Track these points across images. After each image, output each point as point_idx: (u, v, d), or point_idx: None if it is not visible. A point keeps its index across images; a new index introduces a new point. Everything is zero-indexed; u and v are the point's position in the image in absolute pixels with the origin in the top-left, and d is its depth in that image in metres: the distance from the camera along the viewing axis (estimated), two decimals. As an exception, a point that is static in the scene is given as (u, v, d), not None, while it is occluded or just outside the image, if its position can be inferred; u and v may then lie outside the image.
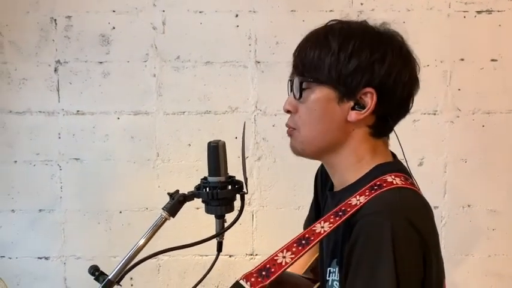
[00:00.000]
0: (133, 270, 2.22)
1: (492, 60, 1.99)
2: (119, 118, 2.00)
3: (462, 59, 1.99)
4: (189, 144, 2.00)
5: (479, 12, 1.97)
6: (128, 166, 2.01)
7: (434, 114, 2.01)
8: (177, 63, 1.98)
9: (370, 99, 0.88)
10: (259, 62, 1.98)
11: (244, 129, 1.01)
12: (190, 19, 1.97)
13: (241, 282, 0.81)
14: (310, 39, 0.92)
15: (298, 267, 1.16)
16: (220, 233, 0.98)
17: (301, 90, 0.91)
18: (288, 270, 1.16)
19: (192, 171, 1.99)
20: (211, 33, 1.97)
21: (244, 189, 0.98)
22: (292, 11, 1.97)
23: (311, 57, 0.90)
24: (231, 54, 1.98)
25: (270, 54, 1.98)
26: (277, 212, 2.03)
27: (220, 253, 1.01)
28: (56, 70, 1.98)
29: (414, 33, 1.95)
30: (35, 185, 2.01)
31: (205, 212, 0.99)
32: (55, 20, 1.96)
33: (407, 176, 0.92)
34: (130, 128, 2.00)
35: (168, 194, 0.96)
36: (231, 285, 0.82)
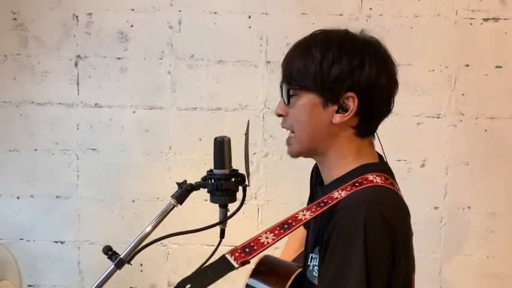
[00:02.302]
0: (143, 257, 2.33)
1: (497, 66, 2.04)
2: (134, 112, 2.10)
3: (467, 65, 2.04)
4: (200, 139, 2.10)
5: (485, 19, 2.02)
6: (141, 158, 2.11)
7: (438, 117, 2.07)
8: (191, 61, 2.07)
9: (352, 102, 0.96)
10: (269, 62, 2.06)
11: (248, 126, 1.10)
12: (205, 19, 2.05)
13: (227, 256, 0.91)
14: (296, 49, 1.01)
15: (293, 253, 1.27)
16: (223, 221, 1.07)
17: (289, 96, 1.00)
18: (281, 257, 1.27)
19: (201, 165, 2.08)
20: (224, 34, 2.06)
21: (246, 182, 1.07)
22: (303, 14, 2.04)
23: (297, 67, 0.99)
24: (243, 54, 2.06)
25: (281, 55, 2.00)
26: (281, 206, 2.11)
27: (224, 241, 1.10)
28: (76, 64, 2.09)
29: (421, 38, 2.05)
30: (53, 172, 2.13)
31: (210, 201, 1.08)
32: (77, 16, 2.07)
33: (388, 176, 1.00)
34: (145, 122, 2.10)
35: (177, 183, 1.06)
36: (218, 258, 0.91)
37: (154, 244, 2.34)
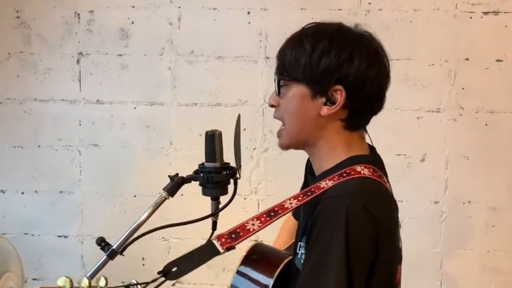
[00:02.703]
0: (144, 251, 2.35)
1: (497, 60, 2.03)
2: (135, 108, 2.12)
3: (467, 59, 2.04)
4: (200, 135, 2.07)
5: (485, 13, 2.01)
6: (142, 153, 2.14)
7: (438, 111, 2.06)
8: (191, 57, 2.09)
9: (339, 95, 0.97)
10: (268, 58, 2.07)
11: (238, 120, 1.11)
12: (205, 15, 2.07)
13: (214, 241, 0.93)
14: (290, 41, 1.02)
15: (282, 245, 1.28)
16: (214, 214, 1.09)
17: (279, 87, 1.02)
18: (274, 245, 1.28)
19: (202, 160, 2.08)
20: (223, 30, 2.07)
21: (238, 175, 1.09)
22: (302, 9, 2.05)
23: (289, 58, 1.00)
24: (242, 49, 2.07)
25: (280, 50, 2.07)
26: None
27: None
28: (78, 61, 2.12)
29: (420, 32, 2.04)
30: (57, 168, 2.16)
31: (202, 194, 1.10)
32: (78, 14, 2.10)
33: (376, 169, 1.00)
34: (146, 118, 2.12)
35: (169, 176, 1.08)
36: (205, 242, 0.93)
37: (155, 238, 2.36)
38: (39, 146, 2.16)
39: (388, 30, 2.04)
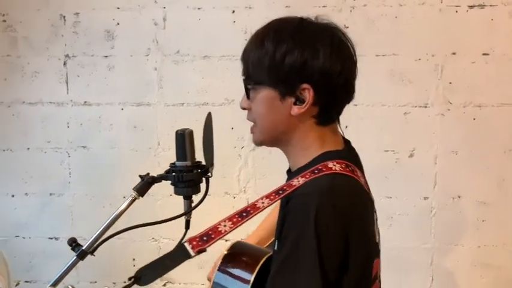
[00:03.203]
0: (135, 251, 2.35)
1: (484, 54, 2.01)
2: (122, 109, 2.13)
3: (454, 53, 2.02)
4: (188, 134, 2.11)
5: (471, 6, 2.00)
6: (131, 154, 2.14)
7: (425, 107, 2.05)
8: (177, 57, 2.09)
9: (307, 94, 0.96)
10: (254, 56, 2.06)
11: (209, 119, 1.11)
12: (190, 15, 2.07)
13: (185, 244, 0.92)
14: (252, 42, 1.01)
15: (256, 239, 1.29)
16: (187, 212, 1.09)
17: (248, 90, 1.01)
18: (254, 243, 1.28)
19: (190, 160, 2.10)
20: (209, 29, 2.07)
21: (209, 174, 1.08)
22: (286, 6, 2.04)
23: (252, 61, 0.99)
24: (228, 48, 2.07)
25: (265, 48, 2.06)
26: (270, 199, 2.12)
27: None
28: (65, 64, 2.12)
29: (406, 27, 2.03)
30: (46, 170, 2.17)
31: (174, 193, 1.09)
32: (64, 16, 2.10)
33: (349, 163, 1.00)
34: (133, 119, 2.13)
35: (140, 176, 1.07)
36: (176, 246, 0.93)
37: (146, 239, 2.36)
38: (28, 148, 2.17)
39: (374, 26, 2.03)
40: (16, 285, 2.24)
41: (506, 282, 2.09)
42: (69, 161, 2.16)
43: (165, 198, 1.98)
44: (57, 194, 2.18)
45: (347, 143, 1.08)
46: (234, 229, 0.95)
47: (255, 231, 1.36)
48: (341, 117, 1.04)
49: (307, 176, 0.95)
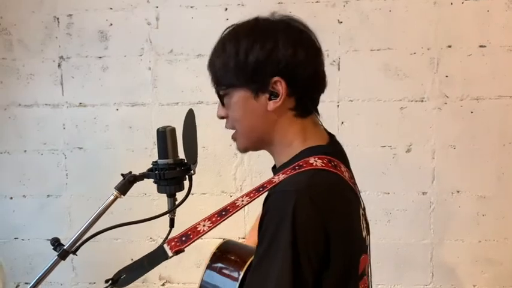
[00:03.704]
0: (133, 251, 2.35)
1: (480, 46, 1.99)
2: (117, 109, 2.13)
3: (449, 46, 2.00)
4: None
5: (466, -2, 1.97)
6: (126, 154, 2.14)
7: (422, 101, 2.03)
8: (171, 56, 2.09)
9: (280, 86, 0.95)
10: (247, 54, 2.05)
11: (191, 115, 1.11)
12: (182, 14, 2.07)
13: (164, 245, 0.92)
14: (214, 50, 1.02)
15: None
16: (171, 210, 1.08)
17: (221, 97, 1.01)
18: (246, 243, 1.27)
19: (185, 159, 2.09)
20: (202, 27, 2.06)
21: (192, 171, 1.07)
22: (279, 3, 2.03)
23: (218, 67, 0.99)
24: (221, 46, 2.06)
25: (259, 45, 2.05)
26: (266, 197, 2.11)
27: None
28: (59, 65, 2.13)
29: (400, 21, 2.01)
30: (43, 172, 2.18)
31: (157, 191, 1.09)
32: (57, 18, 2.11)
33: (332, 159, 0.98)
34: (128, 119, 2.13)
35: (121, 174, 1.07)
36: (157, 247, 0.92)
37: (143, 239, 2.36)
38: (25, 150, 2.18)
39: (368, 20, 2.01)
40: (16, 287, 2.25)
41: (508, 277, 2.06)
42: (66, 162, 2.17)
43: (162, 198, 1.97)
44: (55, 196, 2.19)
45: (331, 137, 1.07)
46: (212, 228, 0.95)
47: (251, 230, 1.35)
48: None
49: (288, 173, 0.94)
